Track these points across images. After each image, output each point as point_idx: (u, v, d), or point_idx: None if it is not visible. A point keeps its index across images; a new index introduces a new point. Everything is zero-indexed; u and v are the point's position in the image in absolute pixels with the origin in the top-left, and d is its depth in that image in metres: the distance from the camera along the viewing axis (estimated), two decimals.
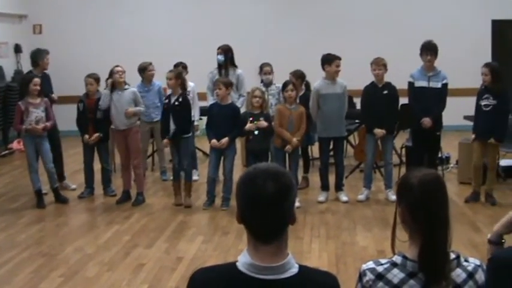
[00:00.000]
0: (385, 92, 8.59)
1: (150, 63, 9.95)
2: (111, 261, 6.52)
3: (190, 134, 8.74)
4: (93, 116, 8.92)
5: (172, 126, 8.44)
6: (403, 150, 10.22)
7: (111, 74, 8.74)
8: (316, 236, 7.24)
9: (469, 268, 2.46)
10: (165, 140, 8.56)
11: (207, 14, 14.67)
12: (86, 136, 8.96)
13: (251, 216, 2.17)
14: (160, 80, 9.90)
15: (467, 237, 6.98)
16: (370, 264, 2.48)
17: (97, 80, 8.94)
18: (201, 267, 2.32)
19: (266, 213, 2.13)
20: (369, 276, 2.44)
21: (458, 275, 2.42)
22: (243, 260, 2.17)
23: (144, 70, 9.83)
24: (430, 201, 2.41)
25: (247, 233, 2.20)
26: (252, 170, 2.21)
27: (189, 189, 8.67)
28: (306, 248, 6.79)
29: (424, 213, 2.40)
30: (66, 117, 10.58)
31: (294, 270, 2.17)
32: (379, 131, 8.55)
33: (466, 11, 14.51)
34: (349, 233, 7.33)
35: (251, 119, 8.27)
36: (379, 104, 8.55)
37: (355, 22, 14.51)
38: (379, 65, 8.52)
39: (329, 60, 8.59)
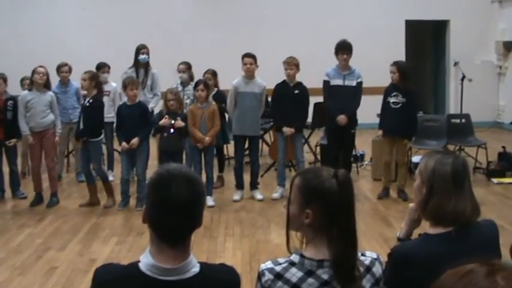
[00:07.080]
0: (296, 91, 8.65)
1: (66, 64, 9.76)
2: (22, 265, 6.37)
3: (99, 138, 8.52)
4: (2, 116, 8.66)
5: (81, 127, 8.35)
6: (318, 148, 10.36)
7: (33, 73, 8.43)
8: (231, 234, 7.26)
9: (366, 262, 2.47)
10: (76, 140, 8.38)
11: (122, 13, 14.52)
12: None
13: (161, 220, 2.19)
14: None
15: (379, 232, 7.16)
16: (269, 264, 2.48)
17: (4, 79, 8.72)
18: (104, 264, 2.35)
19: (178, 218, 2.17)
20: (268, 276, 2.44)
21: None
22: (145, 261, 2.19)
23: (57, 71, 9.64)
24: (350, 201, 2.41)
25: (151, 234, 2.22)
26: (166, 174, 2.22)
27: (110, 190, 8.55)
28: (220, 247, 6.79)
29: (344, 214, 2.39)
30: None
31: (196, 269, 2.21)
32: (287, 130, 8.60)
33: (381, 11, 14.83)
34: (263, 231, 7.38)
35: (167, 116, 8.23)
36: (289, 103, 8.60)
37: (271, 22, 14.61)
38: (290, 64, 8.57)
39: (242, 59, 8.67)
